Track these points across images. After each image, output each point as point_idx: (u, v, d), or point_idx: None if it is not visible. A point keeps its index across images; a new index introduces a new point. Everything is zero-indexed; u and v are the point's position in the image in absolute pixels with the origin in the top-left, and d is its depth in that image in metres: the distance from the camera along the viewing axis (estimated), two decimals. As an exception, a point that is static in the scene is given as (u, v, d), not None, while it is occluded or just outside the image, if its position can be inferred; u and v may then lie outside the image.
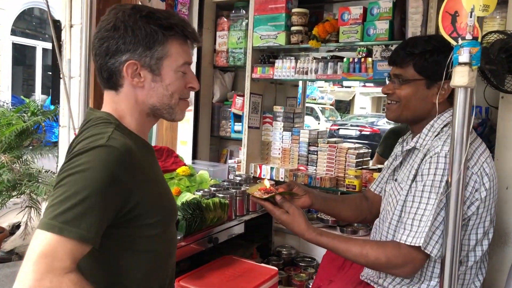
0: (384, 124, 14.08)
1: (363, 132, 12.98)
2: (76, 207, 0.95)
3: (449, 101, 1.54)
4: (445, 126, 1.54)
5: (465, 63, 1.28)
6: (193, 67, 2.95)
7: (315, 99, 17.85)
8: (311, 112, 15.11)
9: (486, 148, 1.52)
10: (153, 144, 3.18)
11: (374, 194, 1.90)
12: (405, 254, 1.42)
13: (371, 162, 2.91)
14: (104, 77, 1.18)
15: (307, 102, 3.91)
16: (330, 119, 16.58)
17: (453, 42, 1.32)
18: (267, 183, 1.63)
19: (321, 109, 16.43)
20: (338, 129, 13.20)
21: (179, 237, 1.90)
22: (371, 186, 1.93)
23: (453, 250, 1.33)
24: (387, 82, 1.72)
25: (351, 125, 13.62)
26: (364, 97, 22.44)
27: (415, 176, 1.50)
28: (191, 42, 1.22)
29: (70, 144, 1.17)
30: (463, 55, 1.28)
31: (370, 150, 2.82)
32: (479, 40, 1.30)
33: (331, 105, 19.56)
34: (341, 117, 17.89)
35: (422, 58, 1.54)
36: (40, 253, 0.91)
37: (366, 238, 2.49)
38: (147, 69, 1.15)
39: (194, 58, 2.91)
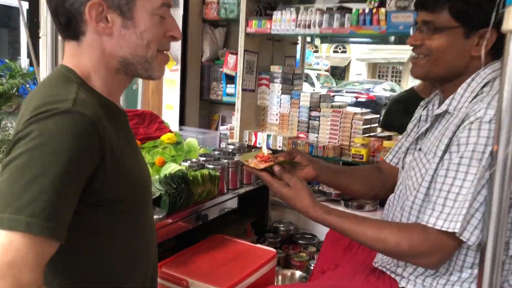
0: (381, 91, 13.98)
1: (359, 99, 12.93)
2: (45, 193, 0.74)
3: (490, 54, 1.24)
4: (485, 85, 1.25)
5: (523, 0, 0.97)
6: (179, 21, 2.61)
7: (310, 65, 17.69)
8: (306, 78, 14.87)
9: None
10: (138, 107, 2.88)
11: (390, 166, 1.62)
12: (433, 240, 1.16)
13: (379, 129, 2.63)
14: (62, 22, 0.94)
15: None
16: (325, 85, 16.52)
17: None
18: (265, 150, 1.36)
19: (316, 75, 16.35)
20: (334, 96, 13.05)
21: (161, 216, 1.64)
22: (387, 157, 1.65)
23: (496, 238, 1.07)
24: (411, 32, 1.41)
25: (347, 92, 13.57)
26: (360, 63, 22.24)
27: (448, 145, 1.21)
28: None
29: (24, 101, 0.93)
30: (522, -10, 0.97)
31: (378, 116, 2.53)
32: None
33: (326, 71, 19.43)
34: (336, 83, 17.79)
35: (460, 1, 1.23)
36: (5, 263, 0.70)
37: (374, 214, 2.24)
38: (115, 11, 0.92)
39: (180, 11, 2.58)
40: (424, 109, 1.50)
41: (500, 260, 1.09)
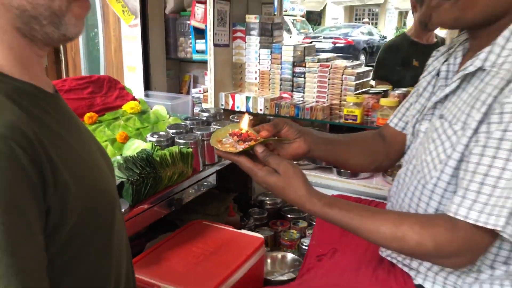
0: (359, 35, 13.81)
1: (337, 45, 12.81)
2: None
3: None
4: None
5: None
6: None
7: (285, 11, 17.29)
8: (282, 25, 14.52)
9: None
10: (102, 73, 2.51)
11: (395, 131, 1.35)
12: (464, 237, 0.91)
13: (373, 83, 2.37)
14: None
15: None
16: (302, 31, 16.30)
17: None
18: (244, 124, 1.06)
19: (292, 21, 16.09)
20: (311, 42, 12.81)
21: (123, 209, 1.35)
22: (391, 120, 1.37)
23: None
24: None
25: (324, 38, 13.46)
26: (336, 6, 21.76)
27: (485, 114, 0.93)
28: None
29: None
30: None
31: (371, 68, 2.24)
32: None
33: (302, 16, 19.18)
34: (313, 29, 17.55)
35: None
36: None
37: (368, 181, 2.00)
38: None
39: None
40: (444, 63, 1.20)
41: None
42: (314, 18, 22.33)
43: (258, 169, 1.01)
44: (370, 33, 14.70)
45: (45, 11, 0.68)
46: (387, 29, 19.53)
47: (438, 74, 1.17)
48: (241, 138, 1.03)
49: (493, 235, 0.89)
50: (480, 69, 0.99)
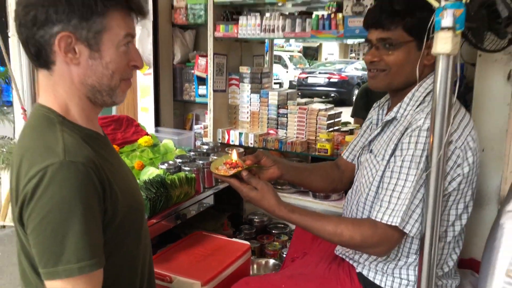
0: (352, 71, 14.10)
1: (331, 79, 12.99)
2: (80, 239, 0.92)
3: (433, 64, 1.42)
4: (427, 94, 1.42)
5: (448, 28, 1.14)
6: (149, 27, 2.70)
7: (282, 47, 17.64)
8: (279, 60, 14.92)
9: (471, 119, 1.42)
10: (113, 113, 2.97)
11: (347, 162, 1.80)
12: (381, 233, 1.34)
13: (344, 117, 2.79)
14: (32, 52, 1.01)
15: (274, 50, 3.74)
16: (299, 66, 16.49)
17: (435, 4, 1.18)
18: (234, 156, 1.50)
19: (289, 56, 16.30)
20: (307, 77, 13.15)
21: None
22: (344, 154, 1.83)
23: (432, 229, 1.26)
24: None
25: (320, 73, 13.59)
26: (331, 43, 22.25)
27: (394, 150, 1.39)
28: (136, 14, 1.06)
29: (16, 150, 1.05)
30: (446, 19, 1.14)
31: (341, 111, 2.70)
32: (464, 0, 1.16)
33: (298, 52, 19.39)
34: (309, 64, 17.78)
35: (412, 16, 1.38)
36: None
37: (338, 202, 2.43)
38: (83, 43, 1.00)
39: (150, 17, 2.67)
40: (375, 111, 1.68)
41: (436, 246, 1.28)
42: (310, 53, 22.69)
43: (243, 187, 1.43)
44: (364, 69, 14.82)
45: (106, 88, 1.06)
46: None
47: (372, 121, 1.65)
48: (232, 165, 1.46)
49: (400, 231, 1.33)
50: (394, 118, 1.46)
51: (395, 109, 1.47)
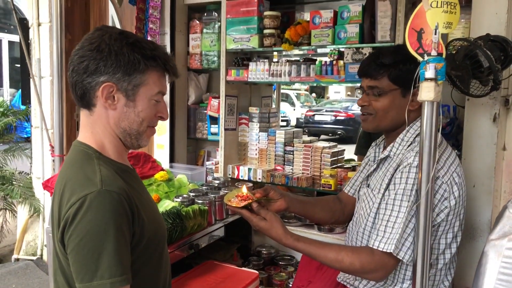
0: (358, 109, 14.17)
1: (337, 117, 13.09)
2: (113, 257, 1.05)
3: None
4: (417, 135, 1.60)
5: (431, 79, 1.33)
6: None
7: (289, 85, 17.89)
8: (286, 98, 15.17)
9: (456, 157, 1.59)
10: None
11: (348, 196, 1.96)
12: (378, 260, 1.48)
13: (349, 155, 2.94)
14: (78, 94, 1.20)
15: (282, 88, 3.96)
16: (305, 104, 16.65)
17: (419, 58, 1.37)
18: (244, 190, 1.65)
19: (296, 95, 16.48)
20: (314, 115, 13.32)
21: (160, 248, 1.93)
22: (345, 188, 1.99)
23: (423, 256, 1.40)
24: (357, 93, 1.76)
25: (326, 111, 13.68)
26: (338, 81, 22.47)
27: (388, 184, 1.56)
28: (169, 75, 1.26)
29: (58, 181, 1.20)
30: (429, 71, 1.33)
31: (344, 148, 2.87)
32: (444, 55, 1.36)
33: (305, 90, 19.62)
34: (316, 102, 17.98)
35: (396, 68, 1.58)
36: None
37: (342, 235, 2.56)
38: (122, 93, 1.19)
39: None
40: (373, 149, 1.86)
41: (427, 272, 1.42)
42: (317, 91, 22.93)
43: (253, 217, 1.60)
44: None
45: (135, 132, 1.24)
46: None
47: (369, 159, 1.82)
48: (243, 198, 1.63)
49: (394, 257, 1.47)
50: (388, 156, 1.64)
51: (388, 148, 1.65)
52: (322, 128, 12.72)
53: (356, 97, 20.64)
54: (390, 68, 1.59)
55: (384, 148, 1.74)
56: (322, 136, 12.18)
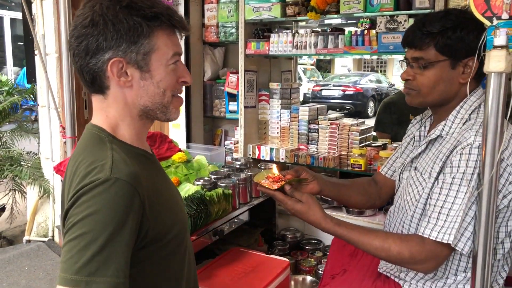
0: (367, 83, 14.02)
1: (346, 92, 12.91)
2: (98, 254, 0.89)
3: (475, 80, 1.43)
4: (472, 112, 1.43)
5: (501, 46, 1.15)
6: (181, 43, 2.74)
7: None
8: (293, 73, 14.92)
9: None
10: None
11: (385, 177, 1.80)
12: (429, 249, 1.33)
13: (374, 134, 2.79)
14: (88, 79, 1.06)
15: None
16: (312, 79, 16.46)
17: (487, 23, 1.19)
18: (275, 171, 1.52)
19: (303, 69, 16.29)
20: (321, 89, 13.12)
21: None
22: (382, 169, 1.83)
23: (485, 246, 1.25)
24: (401, 66, 1.59)
25: (334, 85, 13.50)
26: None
27: (442, 167, 1.39)
28: (179, 31, 1.09)
29: (69, 165, 1.07)
30: (500, 37, 1.15)
31: (372, 126, 2.70)
32: (517, 19, 1.17)
33: (312, 65, 19.42)
34: (322, 77, 17.77)
35: (443, 36, 1.40)
36: None
37: (372, 218, 2.43)
38: (133, 66, 1.04)
39: (182, 35, 2.71)
40: (415, 127, 1.68)
41: (489, 264, 1.27)
42: (324, 66, 22.73)
43: (288, 200, 1.44)
44: (378, 81, 14.61)
45: (159, 105, 1.08)
46: (395, 77, 19.84)
47: (414, 138, 1.65)
48: (275, 179, 1.48)
49: (448, 248, 1.32)
50: (440, 136, 1.47)
51: (439, 127, 1.47)
52: (330, 103, 12.47)
53: (364, 69, 20.40)
54: (436, 36, 1.41)
55: (432, 126, 1.57)
56: (330, 111, 11.99)
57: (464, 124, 1.42)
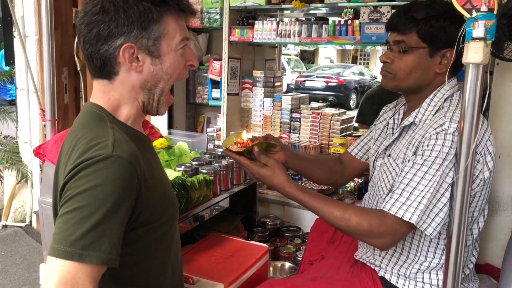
0: (350, 75, 14.08)
1: (329, 84, 12.95)
2: (94, 229, 0.90)
3: (450, 71, 1.45)
4: (445, 100, 1.45)
5: (479, 38, 1.17)
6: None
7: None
8: (277, 63, 14.88)
9: (488, 125, 1.46)
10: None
11: (352, 158, 1.82)
12: (389, 224, 1.33)
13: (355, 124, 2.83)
14: (97, 65, 1.06)
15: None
16: (296, 70, 16.45)
17: (466, 15, 1.21)
18: (244, 136, 1.49)
19: (287, 60, 16.26)
20: (304, 80, 13.13)
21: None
22: (351, 150, 1.84)
23: (459, 233, 1.27)
24: (381, 49, 1.60)
25: (317, 77, 13.52)
26: (328, 47, 22.29)
27: (415, 153, 1.41)
28: (187, 15, 1.11)
29: (66, 140, 1.08)
30: (478, 29, 1.17)
31: (353, 116, 2.73)
32: (495, 11, 1.20)
33: (296, 55, 19.40)
34: (306, 68, 17.77)
35: (427, 24, 1.42)
36: (59, 282, 0.86)
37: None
38: (145, 51, 1.05)
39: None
40: (388, 114, 1.69)
41: (462, 250, 1.29)
42: (307, 57, 22.74)
43: (253, 165, 1.43)
44: (361, 73, 14.61)
45: (159, 91, 1.09)
46: (377, 69, 19.94)
47: (387, 125, 1.66)
48: (243, 145, 1.45)
49: (408, 226, 1.31)
50: (413, 123, 1.49)
51: (413, 114, 1.50)
52: (312, 94, 12.46)
53: (347, 61, 20.47)
54: (420, 23, 1.43)
55: (405, 114, 1.59)
56: (313, 103, 12.03)
57: (436, 112, 1.45)
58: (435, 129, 1.37)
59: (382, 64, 1.55)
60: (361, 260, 1.63)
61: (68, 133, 1.11)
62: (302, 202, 1.41)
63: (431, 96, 1.47)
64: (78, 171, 0.94)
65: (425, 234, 1.34)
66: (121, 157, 0.96)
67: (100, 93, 1.10)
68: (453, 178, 1.29)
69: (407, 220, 1.29)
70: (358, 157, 1.80)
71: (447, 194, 1.32)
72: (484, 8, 1.19)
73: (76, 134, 1.06)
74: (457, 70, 1.49)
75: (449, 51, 1.39)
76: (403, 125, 1.53)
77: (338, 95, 12.61)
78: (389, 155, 1.56)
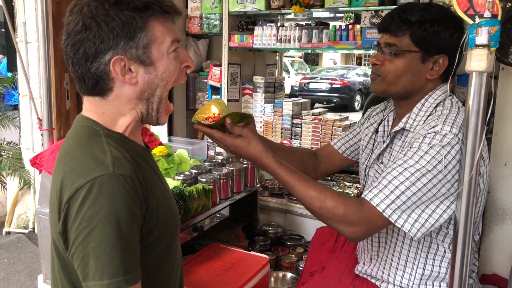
0: (354, 76, 14.02)
1: (333, 85, 12.88)
2: (123, 253, 0.91)
3: (441, 77, 1.41)
4: (437, 105, 1.41)
5: (483, 45, 1.13)
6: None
7: (284, 52, 17.53)
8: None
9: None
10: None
11: (332, 152, 1.76)
12: (365, 212, 1.26)
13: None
14: (90, 84, 1.01)
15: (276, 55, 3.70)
16: (300, 72, 16.42)
17: (469, 21, 1.17)
18: (214, 109, 1.36)
19: (290, 62, 16.23)
20: (308, 82, 13.07)
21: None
22: (333, 143, 1.77)
23: (464, 246, 1.21)
24: (372, 51, 1.55)
25: (321, 78, 13.47)
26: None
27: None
28: (172, 16, 1.06)
29: (60, 156, 1.05)
30: (481, 36, 1.13)
31: (356, 121, 2.68)
32: (499, 17, 1.15)
33: (299, 57, 19.37)
34: (310, 69, 17.73)
35: (421, 28, 1.37)
36: None
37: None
38: (136, 61, 1.00)
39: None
40: (380, 124, 1.62)
41: (469, 263, 1.24)
42: (311, 58, 22.72)
43: (226, 136, 1.30)
44: (365, 75, 14.65)
45: (157, 99, 1.04)
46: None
47: (377, 132, 1.61)
48: (215, 119, 1.31)
49: (385, 221, 1.24)
50: (403, 129, 1.44)
51: (404, 119, 1.45)
52: (316, 96, 12.46)
53: (351, 63, 20.41)
54: (414, 26, 1.38)
55: (395, 120, 1.54)
56: (317, 105, 11.98)
57: (428, 117, 1.40)
58: (427, 130, 1.32)
59: (370, 58, 1.50)
60: (361, 274, 1.59)
61: (60, 150, 1.07)
62: (279, 176, 1.31)
63: (422, 101, 1.42)
64: (84, 197, 0.91)
65: (411, 235, 1.26)
66: (124, 175, 0.93)
67: (93, 107, 1.05)
68: (443, 186, 1.24)
69: (377, 207, 1.23)
70: (341, 151, 1.75)
71: (430, 195, 1.25)
72: (487, 14, 1.14)
73: (69, 153, 1.02)
74: (449, 76, 1.43)
75: (442, 57, 1.35)
76: (394, 130, 1.48)
77: (343, 97, 12.54)
78: (381, 162, 1.51)
